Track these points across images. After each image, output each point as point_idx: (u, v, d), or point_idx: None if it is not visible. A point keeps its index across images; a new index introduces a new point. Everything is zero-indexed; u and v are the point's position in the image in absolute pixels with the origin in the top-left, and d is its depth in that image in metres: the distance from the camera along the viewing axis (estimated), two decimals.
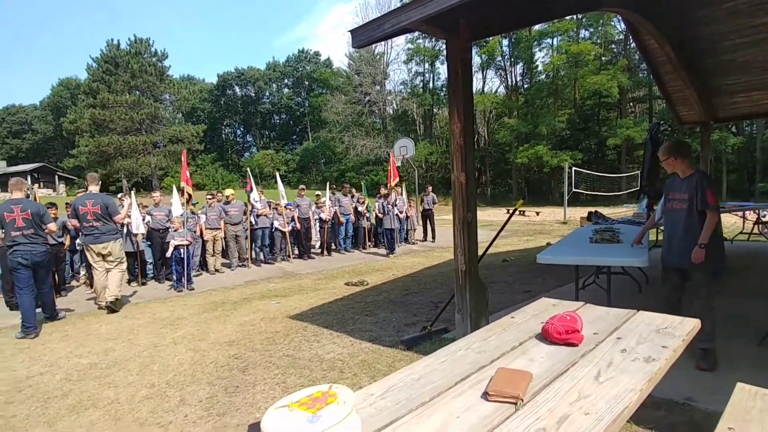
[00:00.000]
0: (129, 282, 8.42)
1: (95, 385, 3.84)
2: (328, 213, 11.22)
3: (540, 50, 38.91)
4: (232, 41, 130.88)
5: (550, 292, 6.14)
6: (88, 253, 6.63)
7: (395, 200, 11.50)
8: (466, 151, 3.60)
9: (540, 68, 39.35)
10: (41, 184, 47.35)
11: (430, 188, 14.04)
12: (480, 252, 4.12)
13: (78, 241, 8.09)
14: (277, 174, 11.30)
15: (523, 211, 20.49)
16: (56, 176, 50.03)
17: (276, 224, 10.40)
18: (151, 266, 8.88)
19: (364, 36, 3.43)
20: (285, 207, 10.56)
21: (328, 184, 11.86)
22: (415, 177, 17.89)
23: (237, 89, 64.12)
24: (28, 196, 6.06)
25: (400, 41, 44.61)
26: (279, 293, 7.27)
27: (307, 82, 62.49)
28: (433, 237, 13.59)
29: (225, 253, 10.14)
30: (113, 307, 6.40)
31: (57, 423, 3.19)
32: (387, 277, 8.34)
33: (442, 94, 44.24)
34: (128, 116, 43.08)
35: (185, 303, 6.89)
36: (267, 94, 64.76)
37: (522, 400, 1.30)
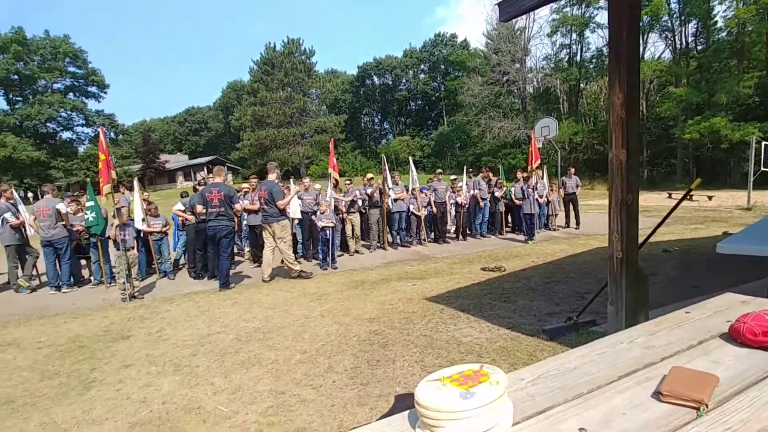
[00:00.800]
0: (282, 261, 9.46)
1: (259, 346, 4.40)
2: (465, 198, 11.08)
3: (721, 3, 32.43)
4: (371, 32, 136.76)
5: (729, 288, 5.19)
6: (264, 232, 7.82)
7: (536, 184, 10.85)
8: (629, 126, 3.18)
9: (720, 24, 32.91)
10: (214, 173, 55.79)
11: (573, 170, 12.89)
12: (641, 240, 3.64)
13: (244, 222, 9.37)
14: (411, 159, 11.49)
15: (692, 195, 17.63)
16: (225, 167, 58.23)
17: (411, 208, 10.64)
18: (301, 245, 9.82)
19: (513, 7, 3.22)
20: (420, 191, 10.72)
21: (465, 168, 11.68)
22: (557, 159, 16.63)
23: (375, 78, 66.75)
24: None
25: (544, 12, 41.51)
26: (415, 275, 7.45)
27: (443, 66, 62.17)
28: (577, 223, 12.52)
29: (364, 236, 10.74)
30: (301, 276, 7.62)
31: (231, 375, 3.74)
32: (526, 264, 7.95)
33: (591, 66, 40.17)
34: (281, 111, 48.14)
35: (330, 280, 7.48)
36: (403, 81, 66.17)
37: (706, 406, 1.10)
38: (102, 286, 7.79)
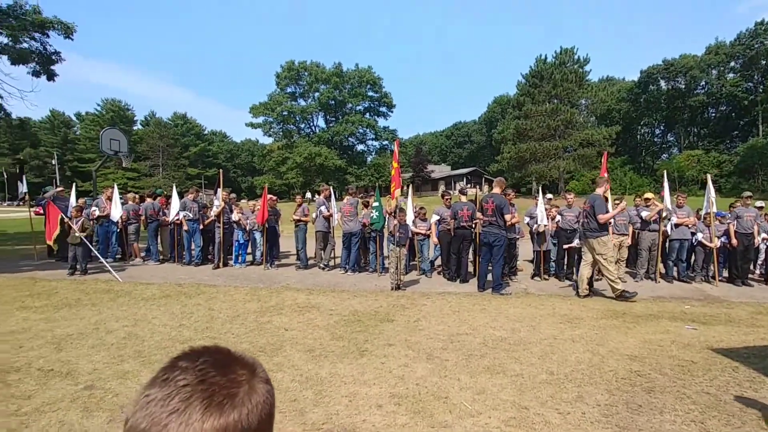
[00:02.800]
0: (532, 276, 9.21)
1: (505, 356, 4.42)
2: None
3: None
4: (659, 31, 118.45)
5: None
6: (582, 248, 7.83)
7: None
8: None
9: None
10: (472, 184, 58.61)
11: None
12: None
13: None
14: (709, 178, 9.37)
15: None
16: (483, 178, 60.40)
17: (699, 236, 8.76)
18: (554, 263, 9.34)
19: None
20: (716, 217, 8.71)
21: None
22: None
23: (662, 83, 57.73)
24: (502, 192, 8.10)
25: None
26: (697, 318, 6.10)
27: (763, 62, 48.81)
28: None
29: (630, 262, 9.43)
30: (624, 296, 7.18)
31: (476, 376, 3.88)
32: None
33: None
34: (545, 123, 46.80)
35: (584, 304, 6.87)
36: (702, 83, 54.98)
37: None
38: (375, 273, 9.27)
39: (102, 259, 9.25)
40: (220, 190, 10.00)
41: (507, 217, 7.55)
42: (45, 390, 3.49)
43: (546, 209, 8.99)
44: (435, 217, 9.21)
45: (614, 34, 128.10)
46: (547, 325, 5.60)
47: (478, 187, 56.89)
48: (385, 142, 66.68)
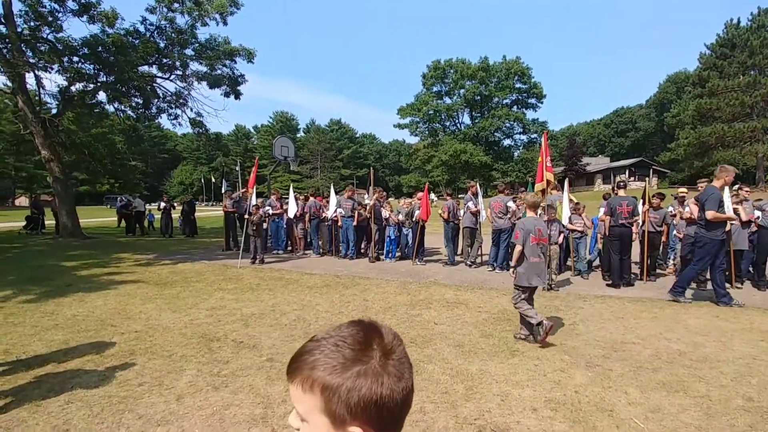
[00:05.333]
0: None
1: (684, 373, 3.82)
2: None
3: None
4: None
5: None
6: None
7: None
8: None
9: None
10: (636, 177, 51.71)
11: None
12: None
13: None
14: None
15: None
16: (651, 169, 52.81)
17: None
18: (751, 268, 7.74)
19: None
20: None
21: None
22: None
23: None
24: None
25: None
26: None
27: None
28: None
29: None
30: None
31: (648, 392, 3.43)
32: None
33: None
34: (738, 101, 38.83)
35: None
36: None
37: None
38: None
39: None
40: (371, 189, 10.68)
41: (708, 214, 6.16)
42: (238, 358, 4.16)
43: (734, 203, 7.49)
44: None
45: None
46: (741, 342, 4.69)
47: (647, 179, 50.16)
48: (534, 135, 63.06)
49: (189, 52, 17.08)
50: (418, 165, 64.86)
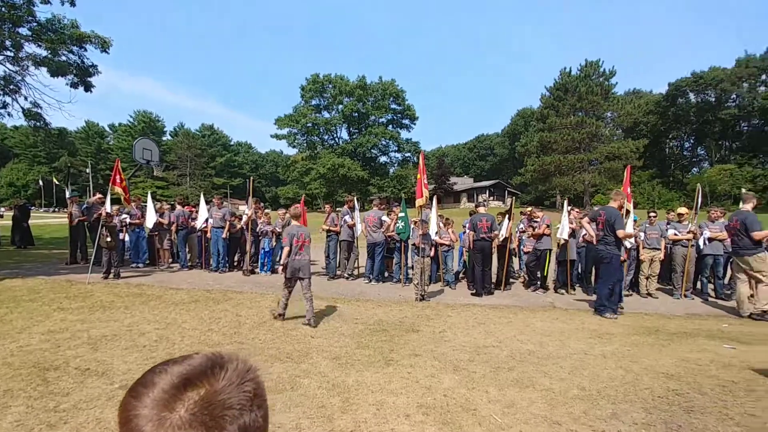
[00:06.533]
0: (555, 289, 9.02)
1: (533, 369, 4.33)
2: None
3: None
4: (688, 43, 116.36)
5: None
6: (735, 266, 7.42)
7: None
8: None
9: None
10: (494, 196, 58.12)
11: None
12: None
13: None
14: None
15: None
16: (506, 191, 59.81)
17: None
18: (579, 277, 9.16)
19: None
20: None
21: None
22: None
23: (691, 96, 56.39)
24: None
25: None
26: (735, 337, 5.86)
27: None
28: None
29: (664, 278, 9.16)
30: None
31: (505, 389, 3.81)
32: None
33: None
34: (570, 136, 46.18)
35: (614, 320, 6.69)
36: (733, 96, 53.53)
37: None
38: (399, 284, 9.24)
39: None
40: (250, 199, 10.23)
41: (619, 232, 6.88)
42: (82, 388, 3.58)
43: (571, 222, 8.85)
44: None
45: (640, 47, 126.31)
46: (576, 340, 5.48)
47: (511, 198, 56.35)
48: (408, 154, 66.77)
49: (24, 31, 14.54)
50: (296, 177, 63.87)
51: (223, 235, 10.06)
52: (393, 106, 65.11)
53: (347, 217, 9.70)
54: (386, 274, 9.99)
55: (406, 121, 66.59)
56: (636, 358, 4.77)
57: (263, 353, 4.59)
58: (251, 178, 13.95)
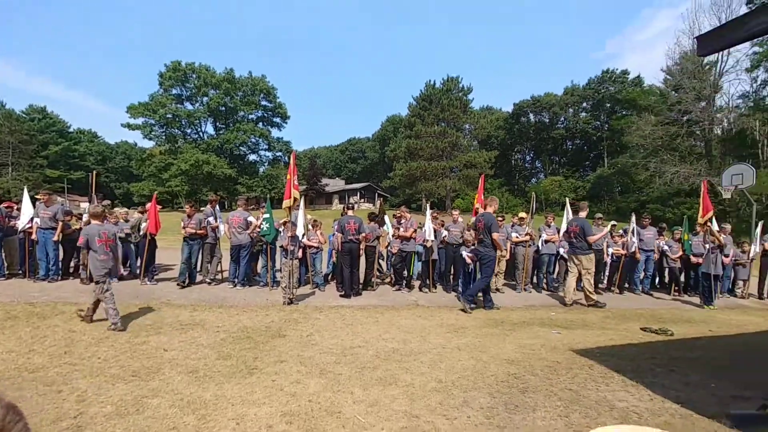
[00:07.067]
0: (420, 288, 9.62)
1: (396, 367, 4.51)
2: (623, 247, 9.99)
3: None
4: (531, 69, 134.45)
5: None
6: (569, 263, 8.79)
7: (723, 241, 9.18)
8: None
9: None
10: (365, 199, 59.92)
11: None
12: None
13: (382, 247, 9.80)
14: (567, 201, 10.77)
15: None
16: (376, 193, 62.05)
17: (561, 251, 9.95)
18: (438, 274, 9.88)
19: (718, 41, 2.83)
20: None
21: (633, 216, 10.46)
22: (752, 214, 13.92)
23: (531, 116, 65.05)
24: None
25: (743, 45, 35.94)
26: (561, 324, 6.89)
27: (608, 104, 57.98)
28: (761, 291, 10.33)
29: (509, 275, 10.37)
30: (597, 305, 8.36)
31: (369, 388, 3.90)
32: (700, 332, 6.75)
33: None
34: (434, 144, 49.85)
35: (468, 315, 7.35)
36: (562, 119, 63.22)
37: None
38: (266, 287, 8.91)
39: None
40: (94, 196, 8.89)
41: (495, 236, 7.64)
42: None
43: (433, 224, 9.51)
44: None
45: (492, 69, 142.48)
46: (435, 335, 5.87)
47: (381, 200, 58.20)
48: (279, 153, 65.15)
49: None
50: (153, 172, 57.57)
51: (54, 237, 8.57)
52: (264, 102, 63.03)
53: (211, 219, 9.03)
54: (253, 278, 9.56)
55: (278, 120, 64.98)
56: (485, 348, 5.29)
57: (102, 373, 4.01)
58: (95, 171, 12.17)
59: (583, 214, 8.74)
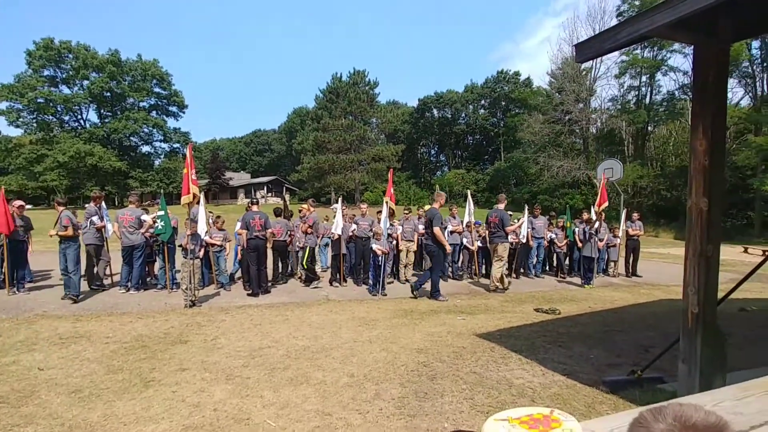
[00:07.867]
0: (330, 282, 9.56)
1: (308, 365, 4.44)
2: (520, 235, 10.84)
3: None
4: (434, 66, 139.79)
5: None
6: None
7: (598, 227, 10.37)
8: (712, 174, 2.99)
9: None
10: (273, 193, 58.18)
11: (637, 216, 12.34)
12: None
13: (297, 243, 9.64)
14: (469, 193, 11.42)
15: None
16: (284, 187, 60.42)
17: (464, 241, 10.51)
18: (348, 268, 9.92)
19: (592, 49, 3.15)
20: (475, 225, 10.59)
21: (526, 206, 11.39)
22: (620, 203, 15.91)
23: (435, 111, 67.60)
24: None
25: (613, 53, 40.81)
26: (465, 310, 7.29)
27: (503, 103, 62.23)
28: (634, 271, 11.90)
29: (417, 266, 10.72)
30: (497, 290, 9.04)
31: (280, 390, 3.79)
32: (582, 309, 7.58)
33: (661, 109, 38.83)
34: (342, 138, 49.72)
35: (379, 306, 7.48)
36: (463, 115, 66.60)
37: None
38: (165, 290, 8.25)
39: None
40: None
41: (435, 230, 7.92)
42: None
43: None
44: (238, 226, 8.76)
45: (397, 64, 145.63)
46: (347, 330, 5.87)
47: (287, 195, 56.59)
48: (176, 145, 60.18)
49: None
50: (21, 164, 49.99)
51: None
52: (157, 90, 57.73)
53: (95, 218, 8.08)
54: (148, 281, 8.79)
55: (174, 109, 59.97)
56: (395, 339, 5.42)
57: None
58: None
59: (501, 205, 9.29)
